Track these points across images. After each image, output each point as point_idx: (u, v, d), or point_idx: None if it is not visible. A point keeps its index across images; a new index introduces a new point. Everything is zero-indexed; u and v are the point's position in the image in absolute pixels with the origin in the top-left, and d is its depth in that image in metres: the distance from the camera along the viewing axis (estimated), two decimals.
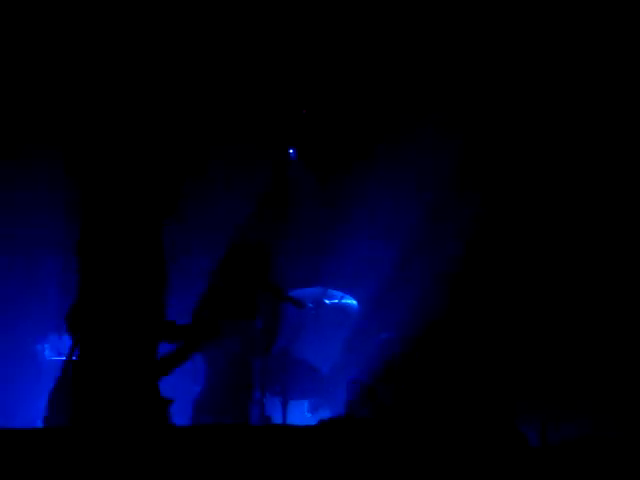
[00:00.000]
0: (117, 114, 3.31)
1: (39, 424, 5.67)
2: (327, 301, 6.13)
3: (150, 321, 3.31)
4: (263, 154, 6.94)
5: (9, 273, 6.42)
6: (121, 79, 3.53)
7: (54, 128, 5.58)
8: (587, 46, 6.11)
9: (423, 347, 5.82)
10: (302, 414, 6.12)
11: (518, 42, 6.19)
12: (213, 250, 5.54)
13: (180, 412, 5.52)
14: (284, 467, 2.93)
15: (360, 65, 6.46)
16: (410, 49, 6.32)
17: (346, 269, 7.07)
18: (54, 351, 6.31)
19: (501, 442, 3.63)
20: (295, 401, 5.89)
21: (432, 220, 6.81)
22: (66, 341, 6.34)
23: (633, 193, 6.33)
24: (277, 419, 5.49)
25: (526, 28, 6.12)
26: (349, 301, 6.29)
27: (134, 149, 3.21)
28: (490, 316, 6.30)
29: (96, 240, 3.18)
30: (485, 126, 6.59)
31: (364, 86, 6.66)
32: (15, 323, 6.30)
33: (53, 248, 6.58)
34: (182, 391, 6.20)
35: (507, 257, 6.46)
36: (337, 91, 6.71)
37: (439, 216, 6.75)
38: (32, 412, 5.93)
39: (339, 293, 6.29)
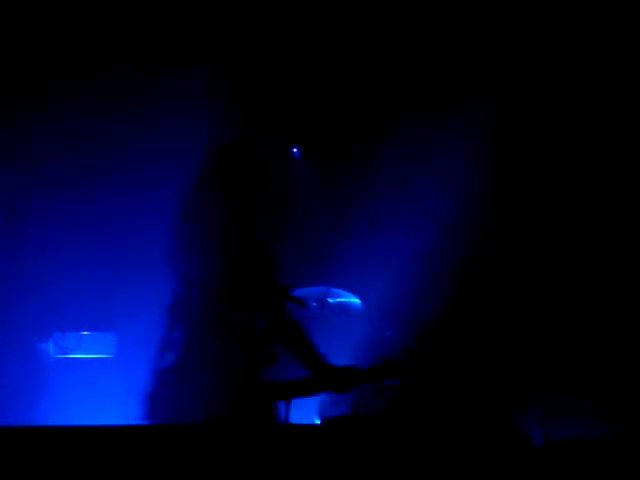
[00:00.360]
0: None
1: (44, 422, 5.69)
2: (330, 300, 6.12)
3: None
4: (265, 149, 6.93)
5: (11, 271, 6.43)
6: None
7: None
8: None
9: (427, 345, 5.82)
10: (306, 416, 6.11)
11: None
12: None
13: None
14: (286, 467, 2.94)
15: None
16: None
17: (350, 268, 7.06)
18: (58, 349, 6.31)
19: (504, 440, 3.62)
20: (299, 402, 5.88)
21: (439, 219, 6.80)
22: (70, 338, 6.36)
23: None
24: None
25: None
26: (353, 300, 6.28)
27: None
28: (494, 313, 6.29)
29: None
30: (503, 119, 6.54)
31: (364, 78, 6.65)
32: (17, 321, 6.31)
33: (57, 243, 6.60)
34: None
35: (511, 256, 6.45)
36: (338, 84, 6.71)
37: (446, 215, 6.75)
38: (39, 410, 5.95)
39: (343, 292, 6.28)
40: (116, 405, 5.97)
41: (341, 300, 6.22)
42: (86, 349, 6.37)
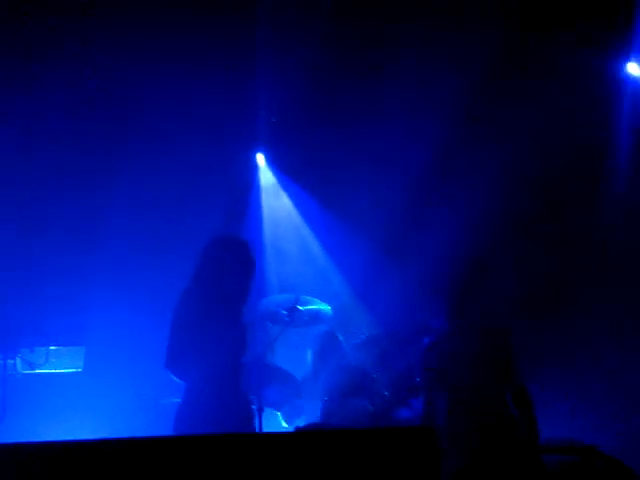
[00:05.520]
0: None
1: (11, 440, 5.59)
2: (300, 307, 6.11)
3: None
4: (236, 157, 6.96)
5: None
6: None
7: None
8: None
9: (396, 350, 5.82)
10: (278, 423, 6.09)
11: None
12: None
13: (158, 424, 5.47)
14: (263, 475, 2.92)
15: None
16: None
17: (318, 273, 7.06)
18: (26, 365, 6.23)
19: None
20: (270, 409, 5.86)
21: (407, 225, 6.83)
22: (38, 353, 6.27)
23: None
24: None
25: None
26: (323, 306, 6.27)
27: None
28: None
29: None
30: None
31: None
32: None
33: (23, 259, 6.54)
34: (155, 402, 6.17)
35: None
36: None
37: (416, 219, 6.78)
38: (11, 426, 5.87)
39: (313, 299, 6.26)
40: (85, 420, 5.92)
41: (310, 307, 6.21)
42: (54, 364, 6.29)
